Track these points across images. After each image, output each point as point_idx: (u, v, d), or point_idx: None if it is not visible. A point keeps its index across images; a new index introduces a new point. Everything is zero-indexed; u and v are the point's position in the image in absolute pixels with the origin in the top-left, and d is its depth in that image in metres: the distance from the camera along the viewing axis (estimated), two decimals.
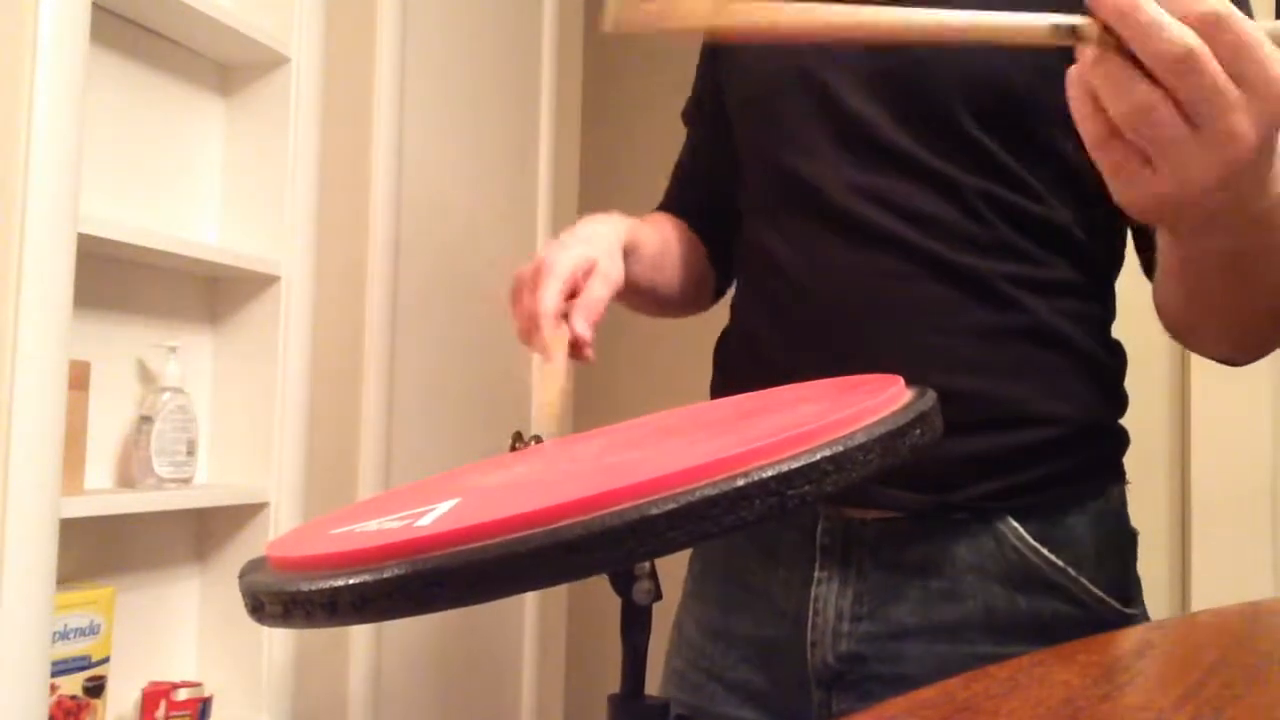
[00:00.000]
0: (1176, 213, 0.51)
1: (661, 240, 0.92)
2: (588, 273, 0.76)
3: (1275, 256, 0.59)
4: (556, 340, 0.72)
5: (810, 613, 0.78)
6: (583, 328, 0.73)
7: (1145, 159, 0.47)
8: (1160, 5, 0.44)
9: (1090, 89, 0.46)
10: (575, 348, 0.73)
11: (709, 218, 0.97)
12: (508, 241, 2.10)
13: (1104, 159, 0.48)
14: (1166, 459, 1.98)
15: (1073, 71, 0.47)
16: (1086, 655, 0.56)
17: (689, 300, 0.99)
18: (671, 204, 1.01)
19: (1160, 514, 1.97)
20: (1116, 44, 0.45)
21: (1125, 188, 0.49)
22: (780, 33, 0.50)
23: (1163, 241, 0.62)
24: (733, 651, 0.83)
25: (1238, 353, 0.73)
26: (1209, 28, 0.44)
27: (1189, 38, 0.43)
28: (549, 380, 0.72)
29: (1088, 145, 0.48)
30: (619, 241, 0.81)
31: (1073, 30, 0.45)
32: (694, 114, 1.00)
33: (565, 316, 0.74)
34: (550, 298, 0.73)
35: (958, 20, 0.46)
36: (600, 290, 0.76)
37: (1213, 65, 0.44)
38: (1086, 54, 0.46)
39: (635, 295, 0.89)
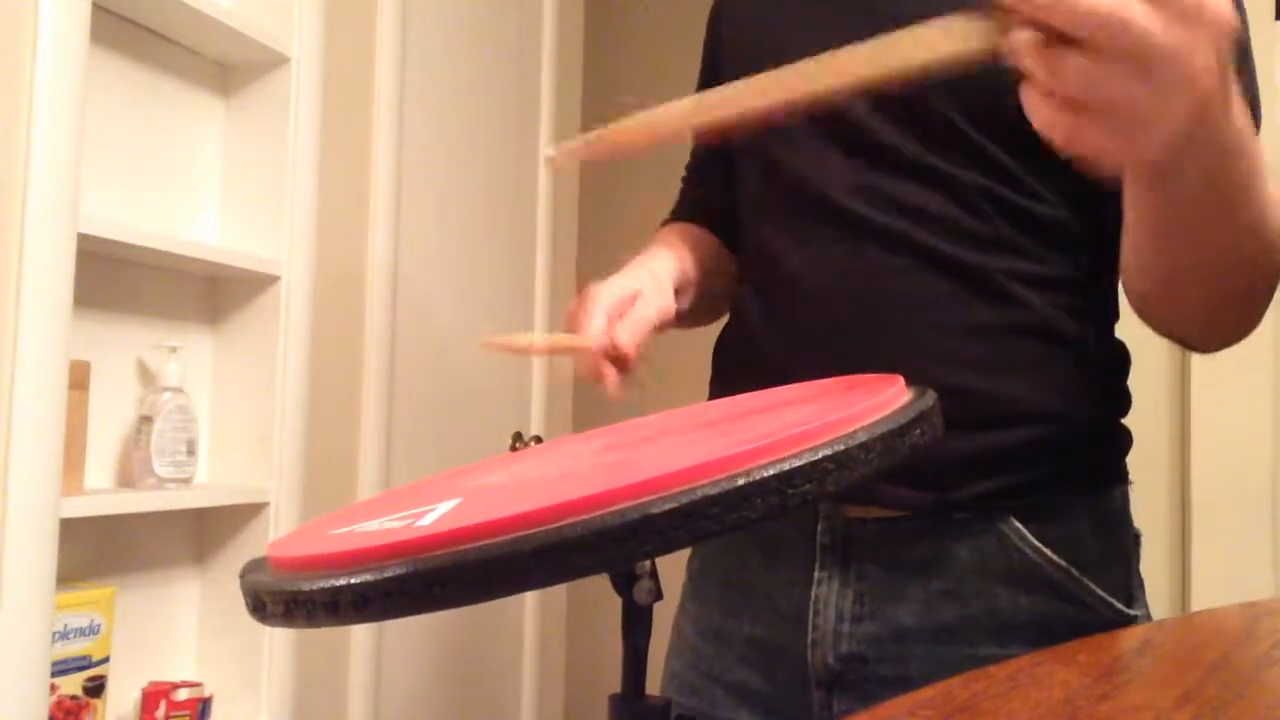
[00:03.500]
0: (1158, 168, 0.53)
1: (696, 261, 0.93)
2: (632, 299, 0.77)
3: (1245, 190, 0.58)
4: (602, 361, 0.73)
5: (810, 613, 0.77)
6: (626, 340, 0.73)
7: (1116, 131, 0.45)
8: None
9: (1043, 89, 0.45)
10: (620, 361, 0.73)
11: (722, 217, 0.97)
12: (509, 241, 2.10)
13: (1082, 149, 0.46)
14: (1166, 459, 1.98)
15: (1024, 88, 0.45)
16: (1086, 655, 0.56)
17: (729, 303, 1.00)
18: (685, 210, 1.01)
19: (1160, 514, 1.97)
20: (1044, 32, 0.43)
21: (1110, 164, 0.48)
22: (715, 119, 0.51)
23: (1135, 196, 0.61)
24: (731, 653, 0.83)
25: (1210, 328, 0.72)
26: None
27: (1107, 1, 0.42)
28: (574, 343, 0.74)
29: (1060, 145, 0.46)
30: (668, 277, 0.83)
31: (993, 29, 0.43)
32: None
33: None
34: (595, 323, 0.74)
35: (866, 50, 0.44)
36: (646, 311, 0.77)
37: (1140, 18, 0.42)
38: (1023, 61, 0.44)
39: (688, 322, 0.91)
